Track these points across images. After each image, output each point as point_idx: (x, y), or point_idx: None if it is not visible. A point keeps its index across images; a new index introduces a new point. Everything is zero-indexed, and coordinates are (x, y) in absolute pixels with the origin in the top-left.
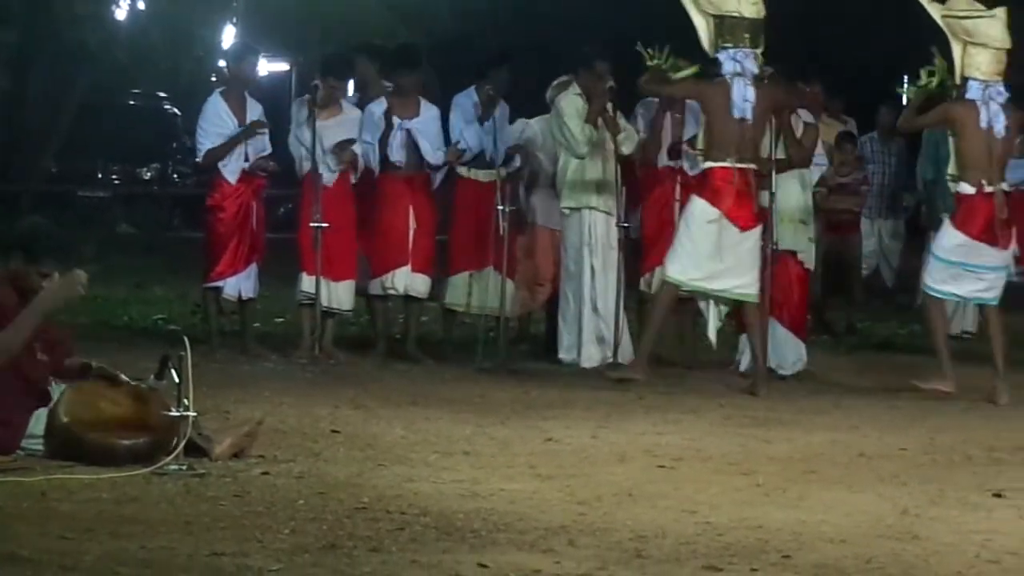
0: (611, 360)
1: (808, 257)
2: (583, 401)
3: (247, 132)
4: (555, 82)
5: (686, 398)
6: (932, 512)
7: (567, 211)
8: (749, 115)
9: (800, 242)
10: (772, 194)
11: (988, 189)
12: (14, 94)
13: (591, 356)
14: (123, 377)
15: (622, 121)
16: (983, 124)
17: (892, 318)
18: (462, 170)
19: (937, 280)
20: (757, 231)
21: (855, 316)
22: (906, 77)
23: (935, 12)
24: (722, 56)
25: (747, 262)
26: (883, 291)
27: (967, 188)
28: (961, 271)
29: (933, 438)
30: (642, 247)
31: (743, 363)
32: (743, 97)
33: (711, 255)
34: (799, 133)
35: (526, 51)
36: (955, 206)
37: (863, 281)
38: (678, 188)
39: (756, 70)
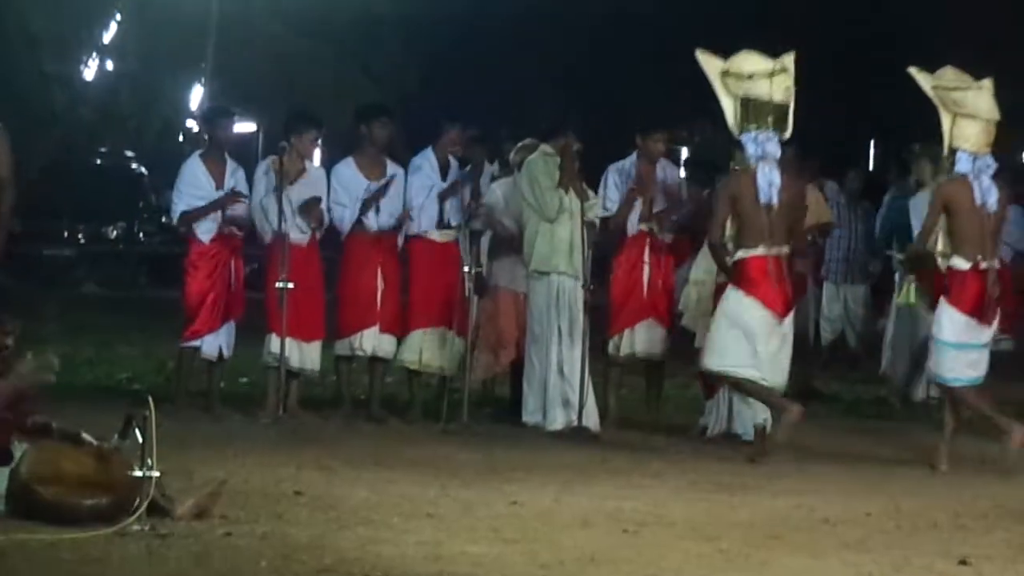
0: (576, 424)
1: None
2: (547, 464)
3: (224, 200)
4: (519, 144)
5: (650, 462)
6: None
7: (535, 275)
8: (775, 200)
9: None
10: None
11: (983, 265)
12: None
13: (556, 419)
14: (85, 436)
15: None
16: (977, 201)
17: (857, 383)
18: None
19: (952, 369)
20: (790, 318)
21: (817, 380)
22: (872, 142)
23: (925, 83)
24: (745, 139)
25: (783, 350)
26: (848, 356)
27: (962, 263)
28: (969, 351)
29: (898, 504)
30: (610, 310)
31: (709, 427)
32: (768, 182)
33: (752, 344)
34: None
35: (495, 109)
36: (947, 284)
37: (812, 345)
38: (647, 251)
39: (778, 153)
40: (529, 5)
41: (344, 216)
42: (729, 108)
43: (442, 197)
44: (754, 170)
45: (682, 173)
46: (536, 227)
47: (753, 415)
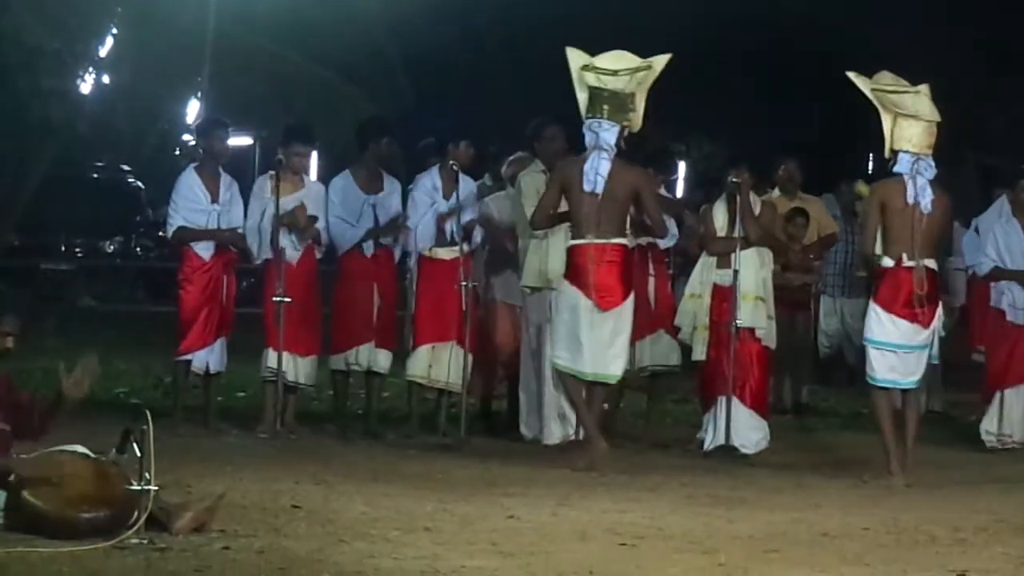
0: (573, 437)
1: (768, 335)
2: (545, 478)
3: (222, 236)
4: (510, 158)
5: (648, 476)
6: None
7: (528, 290)
8: (600, 188)
9: (759, 319)
10: (736, 272)
11: (908, 263)
12: None
13: (553, 433)
14: (86, 451)
15: None
16: (909, 200)
17: (855, 397)
18: (424, 250)
19: (879, 369)
20: (622, 309)
21: (814, 395)
22: (871, 156)
23: (864, 86)
24: (584, 129)
25: (611, 341)
26: (846, 370)
27: (887, 261)
28: (895, 353)
29: (896, 517)
30: None
31: (707, 441)
32: (594, 170)
33: (577, 334)
34: (757, 211)
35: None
36: (876, 283)
37: (814, 359)
38: (651, 264)
39: (612, 142)
40: (539, 19)
41: (344, 233)
42: (582, 101)
43: (441, 219)
44: (584, 159)
45: (680, 188)
46: (528, 242)
47: (746, 431)
